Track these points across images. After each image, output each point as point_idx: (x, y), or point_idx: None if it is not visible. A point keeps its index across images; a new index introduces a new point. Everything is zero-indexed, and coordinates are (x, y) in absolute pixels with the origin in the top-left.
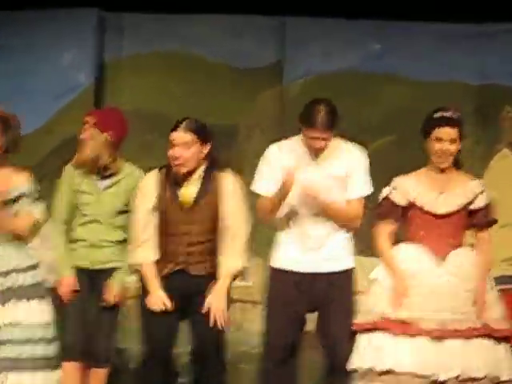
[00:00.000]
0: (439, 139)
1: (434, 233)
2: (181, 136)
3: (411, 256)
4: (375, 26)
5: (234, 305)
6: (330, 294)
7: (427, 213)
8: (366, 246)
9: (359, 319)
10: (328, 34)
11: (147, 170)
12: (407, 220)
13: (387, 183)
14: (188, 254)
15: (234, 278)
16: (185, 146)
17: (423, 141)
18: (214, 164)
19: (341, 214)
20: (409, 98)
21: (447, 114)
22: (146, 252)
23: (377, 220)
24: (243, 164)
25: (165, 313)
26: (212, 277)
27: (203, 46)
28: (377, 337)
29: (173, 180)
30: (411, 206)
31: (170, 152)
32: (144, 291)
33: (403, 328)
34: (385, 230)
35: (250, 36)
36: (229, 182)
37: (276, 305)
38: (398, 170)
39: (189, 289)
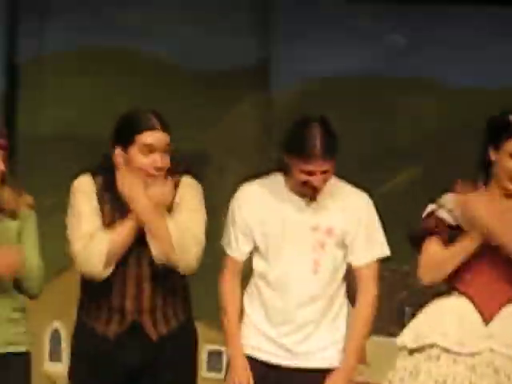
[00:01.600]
0: None
1: (484, 277)
2: (162, 137)
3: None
4: (394, 11)
5: None
6: None
7: (482, 246)
8: (383, 322)
9: None
10: (328, 22)
11: None
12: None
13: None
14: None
15: None
16: (166, 150)
17: (484, 152)
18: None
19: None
20: (442, 111)
21: None
22: (103, 237)
23: (419, 237)
24: (214, 207)
25: None
26: (184, 338)
27: (157, 41)
28: None
29: (118, 197)
30: (461, 232)
31: (149, 161)
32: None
33: None
34: (434, 245)
35: (223, 29)
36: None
37: None
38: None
39: (144, 358)
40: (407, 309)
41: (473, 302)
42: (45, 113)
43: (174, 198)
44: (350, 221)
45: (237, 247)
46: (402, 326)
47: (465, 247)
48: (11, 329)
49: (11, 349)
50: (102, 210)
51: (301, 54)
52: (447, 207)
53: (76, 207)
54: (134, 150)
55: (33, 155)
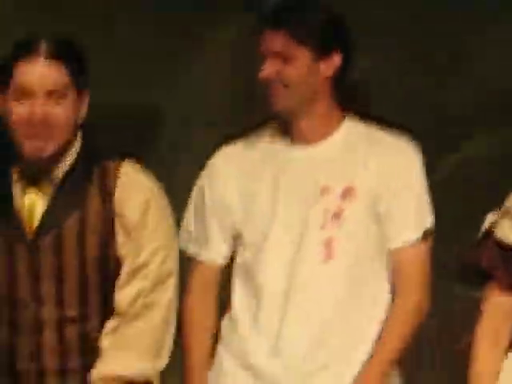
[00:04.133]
0: None
1: None
2: (45, 73)
3: None
4: None
5: None
6: None
7: None
8: None
9: None
10: None
11: None
12: None
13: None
14: (39, 350)
15: None
16: (53, 96)
17: None
18: (96, 152)
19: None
20: None
21: None
22: None
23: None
24: (171, 182)
25: None
26: None
27: None
28: None
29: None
30: None
31: (21, 110)
32: None
33: None
34: (491, 312)
35: None
36: (134, 189)
37: None
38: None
39: None
40: None
41: None
42: None
43: (110, 195)
44: (383, 179)
45: (210, 245)
46: None
47: None
48: None
49: None
50: None
51: None
52: None
53: None
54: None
55: None
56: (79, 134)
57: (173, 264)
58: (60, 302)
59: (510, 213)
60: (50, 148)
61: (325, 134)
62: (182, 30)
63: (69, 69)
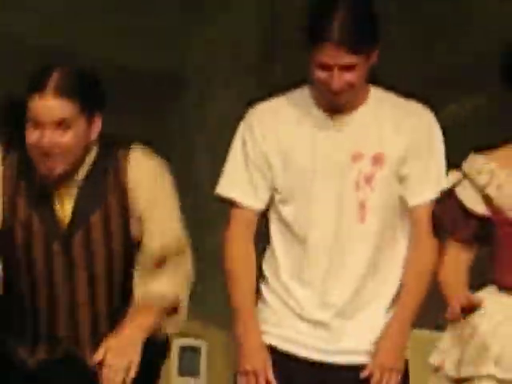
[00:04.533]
0: None
1: None
2: (53, 106)
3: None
4: None
5: None
6: None
7: None
8: (429, 311)
9: None
10: None
11: None
12: (495, 239)
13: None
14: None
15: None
16: (61, 126)
17: None
18: (109, 147)
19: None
20: None
21: None
22: None
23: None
24: (194, 146)
25: None
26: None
27: None
28: None
29: (35, 183)
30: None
31: (33, 137)
32: None
33: None
34: (453, 257)
35: None
36: (143, 171)
37: None
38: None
39: None
40: None
41: None
42: None
43: (124, 189)
44: (408, 144)
45: (252, 192)
46: None
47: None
48: None
49: None
50: (14, 204)
51: None
52: (478, 182)
53: None
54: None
55: None
56: (95, 144)
57: (185, 236)
58: (91, 285)
59: (467, 176)
60: (60, 168)
61: (356, 105)
62: None
63: (77, 101)
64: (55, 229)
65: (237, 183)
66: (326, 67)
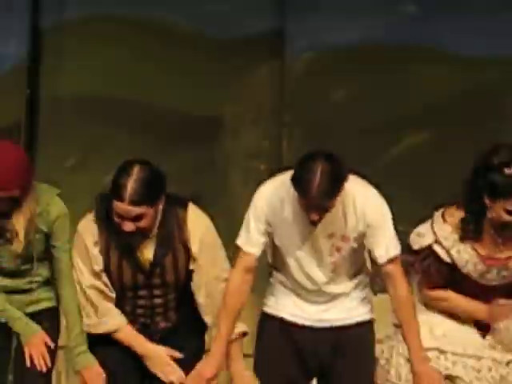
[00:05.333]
0: (509, 212)
1: None
2: (129, 210)
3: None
4: None
5: None
6: (339, 354)
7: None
8: None
9: None
10: None
11: (108, 168)
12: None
13: (420, 194)
14: (150, 314)
15: None
16: (136, 220)
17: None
18: (172, 206)
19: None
20: (456, 81)
21: None
22: (117, 318)
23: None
24: (228, 167)
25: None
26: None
27: (173, 8)
28: None
29: (122, 238)
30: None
31: (118, 223)
32: None
33: None
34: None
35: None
36: (196, 226)
37: (263, 365)
38: (434, 176)
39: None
40: None
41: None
42: (67, 75)
43: (186, 238)
44: (364, 226)
45: (255, 240)
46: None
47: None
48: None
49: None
50: (107, 253)
51: (314, 25)
52: (445, 245)
53: (76, 261)
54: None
55: (55, 117)
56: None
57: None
58: (165, 296)
59: (442, 237)
60: (138, 238)
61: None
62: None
63: (147, 203)
64: (139, 268)
65: (248, 239)
66: (307, 207)
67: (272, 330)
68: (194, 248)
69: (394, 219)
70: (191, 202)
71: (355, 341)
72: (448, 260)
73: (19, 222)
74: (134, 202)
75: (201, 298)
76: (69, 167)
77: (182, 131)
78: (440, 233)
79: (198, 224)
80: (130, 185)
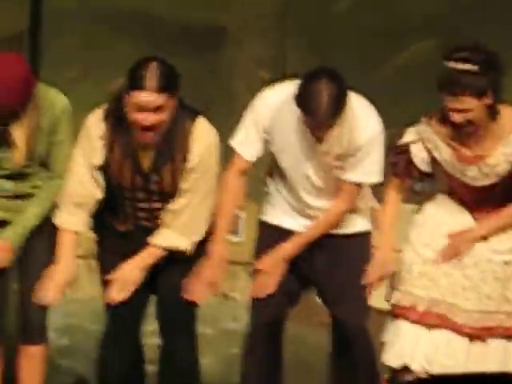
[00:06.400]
0: (451, 110)
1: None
2: (152, 100)
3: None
4: None
5: None
6: (333, 262)
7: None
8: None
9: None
10: None
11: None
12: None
13: (425, 97)
14: (147, 217)
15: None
16: (157, 111)
17: None
18: (180, 116)
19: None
20: None
21: (461, 67)
22: (75, 218)
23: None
24: (232, 75)
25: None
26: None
27: None
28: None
29: (127, 138)
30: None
31: (137, 118)
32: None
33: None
34: (391, 197)
35: None
36: (201, 142)
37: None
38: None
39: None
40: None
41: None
42: None
43: (187, 150)
44: (349, 148)
45: (250, 146)
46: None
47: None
48: None
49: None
50: (112, 148)
51: None
52: (428, 146)
53: (76, 152)
54: (129, 104)
55: (59, 24)
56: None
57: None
58: (163, 202)
59: (426, 139)
60: (153, 138)
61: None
62: None
63: (167, 92)
64: (138, 171)
65: (242, 138)
66: (313, 126)
67: (269, 237)
68: (191, 164)
69: (396, 126)
70: (202, 115)
71: (350, 250)
72: (420, 165)
73: (19, 134)
74: (157, 89)
75: (176, 206)
76: (71, 78)
77: (183, 40)
78: (424, 134)
79: (201, 140)
80: (152, 73)
